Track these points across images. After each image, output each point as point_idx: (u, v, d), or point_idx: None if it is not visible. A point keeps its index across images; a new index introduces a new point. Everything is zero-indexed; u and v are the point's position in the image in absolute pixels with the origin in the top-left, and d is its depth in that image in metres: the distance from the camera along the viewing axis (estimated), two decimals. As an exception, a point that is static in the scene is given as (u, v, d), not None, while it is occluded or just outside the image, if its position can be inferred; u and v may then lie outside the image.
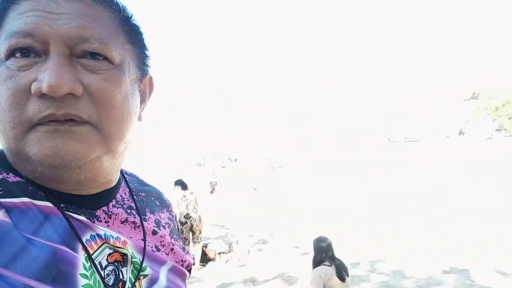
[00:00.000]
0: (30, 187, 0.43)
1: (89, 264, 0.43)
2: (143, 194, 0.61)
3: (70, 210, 0.45)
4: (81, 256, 0.43)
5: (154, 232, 0.56)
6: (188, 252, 0.62)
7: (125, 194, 0.56)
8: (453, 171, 17.97)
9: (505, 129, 39.33)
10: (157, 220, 0.59)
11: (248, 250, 6.25)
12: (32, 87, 0.39)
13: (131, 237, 0.52)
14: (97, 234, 0.46)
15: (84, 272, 0.42)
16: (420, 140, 38.74)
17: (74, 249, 0.42)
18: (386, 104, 66.17)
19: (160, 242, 0.57)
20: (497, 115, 41.77)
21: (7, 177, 0.43)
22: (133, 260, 0.50)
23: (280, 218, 9.87)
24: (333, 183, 17.35)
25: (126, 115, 0.46)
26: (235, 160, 36.97)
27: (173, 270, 0.56)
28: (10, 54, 0.41)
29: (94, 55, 0.43)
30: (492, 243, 6.41)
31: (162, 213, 0.62)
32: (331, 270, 2.96)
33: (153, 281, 0.51)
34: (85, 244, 0.43)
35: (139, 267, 0.50)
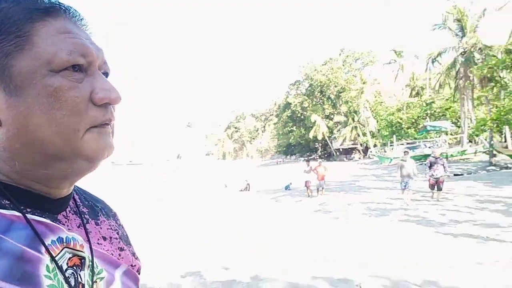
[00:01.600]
0: None
1: (53, 266, 0.45)
2: (90, 202, 0.63)
3: (36, 214, 0.47)
4: (45, 258, 0.45)
5: (106, 238, 0.59)
6: (137, 257, 0.64)
7: (76, 200, 0.59)
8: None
9: (212, 153, 46.48)
10: (109, 225, 0.62)
11: None
12: (101, 95, 0.48)
13: (87, 241, 0.54)
14: (59, 237, 0.48)
15: (48, 273, 0.44)
16: (143, 163, 40.37)
17: (38, 251, 0.44)
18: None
19: (113, 246, 0.59)
20: (207, 141, 49.08)
21: None
22: (89, 263, 0.52)
23: None
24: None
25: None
26: None
27: (127, 273, 0.59)
28: (63, 68, 0.46)
29: (106, 75, 0.53)
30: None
31: (110, 221, 0.64)
32: None
33: (109, 283, 0.55)
34: (48, 247, 0.46)
35: (94, 269, 0.53)
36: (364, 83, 44.76)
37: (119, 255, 0.59)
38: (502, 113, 19.09)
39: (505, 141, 25.59)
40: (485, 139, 25.51)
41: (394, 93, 52.80)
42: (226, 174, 33.32)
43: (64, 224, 0.51)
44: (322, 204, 11.45)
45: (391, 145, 34.38)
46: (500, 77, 22.17)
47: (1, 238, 0.41)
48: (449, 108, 34.50)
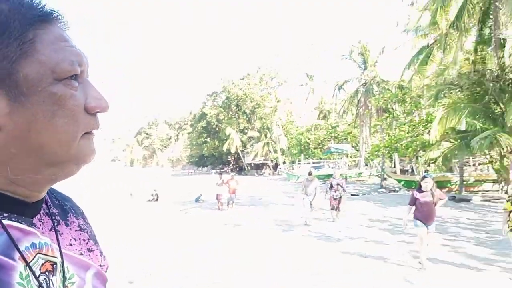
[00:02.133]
0: None
1: (26, 272, 0.45)
2: (60, 201, 0.62)
3: (13, 219, 0.47)
4: (19, 265, 0.44)
5: (76, 239, 0.58)
6: (105, 257, 0.64)
7: (47, 201, 0.57)
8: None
9: (119, 159, 43.61)
10: (79, 225, 0.61)
11: None
12: (94, 104, 0.50)
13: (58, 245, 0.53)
14: (33, 243, 0.48)
15: (21, 281, 0.44)
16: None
17: (12, 259, 0.44)
18: None
19: (83, 247, 0.59)
20: (114, 146, 45.98)
21: None
22: (61, 268, 0.51)
23: None
24: None
25: None
26: None
27: (97, 275, 0.58)
28: (65, 77, 0.47)
29: None
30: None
31: (79, 219, 0.63)
32: None
33: (80, 287, 0.54)
34: (23, 254, 0.45)
35: (65, 274, 0.52)
36: (278, 101, 46.93)
37: (89, 256, 0.59)
38: (392, 142, 21.67)
39: (394, 167, 28.98)
40: (378, 164, 28.60)
41: (304, 113, 56.41)
42: (133, 182, 31.72)
43: (39, 228, 0.50)
44: (231, 217, 11.59)
45: (299, 163, 36.43)
46: (393, 109, 25.19)
47: None
48: (350, 133, 37.98)
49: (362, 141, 31.43)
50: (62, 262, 0.52)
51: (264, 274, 5.22)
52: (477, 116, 14.56)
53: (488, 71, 14.28)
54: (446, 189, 20.62)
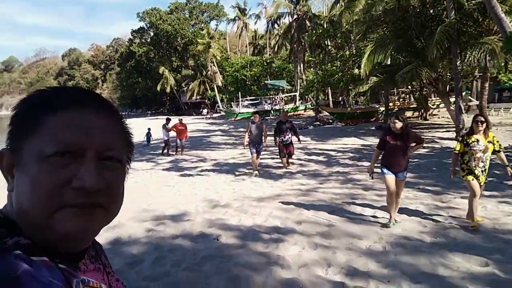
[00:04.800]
0: (36, 248, 0.55)
1: None
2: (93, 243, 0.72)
3: (63, 263, 0.57)
4: None
5: (110, 272, 0.71)
6: (122, 282, 0.75)
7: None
8: None
9: None
10: (107, 262, 0.73)
11: None
12: (75, 183, 0.54)
13: (102, 279, 0.66)
14: (81, 279, 0.59)
15: None
16: None
17: None
18: None
19: (115, 278, 0.71)
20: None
21: (18, 240, 0.54)
22: None
23: None
24: None
25: (123, 198, 0.63)
26: None
27: None
28: (50, 154, 0.54)
29: (111, 158, 0.59)
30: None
31: (103, 256, 0.74)
32: None
33: None
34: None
35: None
36: (211, 38, 45.33)
37: (119, 285, 0.73)
38: (326, 77, 22.63)
39: (328, 99, 30.53)
40: (313, 98, 29.91)
41: (239, 49, 55.42)
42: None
43: (82, 270, 0.62)
44: (177, 161, 11.78)
45: (237, 101, 36.71)
46: (325, 44, 25.87)
47: (51, 281, 0.52)
48: (286, 69, 38.59)
49: (297, 76, 32.23)
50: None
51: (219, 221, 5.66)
52: (401, 51, 15.68)
53: (411, 7, 15.13)
54: (374, 118, 22.59)
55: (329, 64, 23.14)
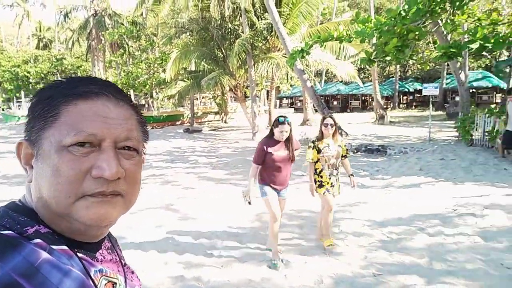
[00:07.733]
0: (56, 236, 0.57)
1: None
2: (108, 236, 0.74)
3: (81, 253, 0.59)
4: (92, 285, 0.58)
5: (125, 264, 0.72)
6: (137, 275, 0.76)
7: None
8: None
9: None
10: (122, 255, 0.75)
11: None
12: (94, 172, 0.55)
13: (118, 271, 0.67)
14: (99, 269, 0.61)
15: None
16: None
17: (90, 280, 0.57)
18: None
19: (128, 270, 0.72)
20: None
21: (39, 229, 0.56)
22: (119, 286, 0.64)
23: None
24: None
25: (140, 186, 0.65)
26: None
27: None
28: (71, 144, 0.55)
29: (129, 148, 0.61)
30: None
31: (118, 248, 0.76)
32: None
33: None
34: (93, 277, 0.58)
35: None
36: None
37: (132, 277, 0.73)
38: (130, 79, 21.82)
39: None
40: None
41: (19, 41, 46.66)
42: None
43: (99, 260, 0.64)
44: None
45: (18, 102, 30.77)
46: (128, 45, 24.91)
47: (71, 269, 0.53)
48: (81, 67, 34.97)
49: (95, 76, 29.65)
50: (125, 280, 0.68)
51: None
52: (205, 59, 16.82)
53: (213, 19, 16.45)
54: (180, 121, 23.27)
55: (133, 66, 22.44)
